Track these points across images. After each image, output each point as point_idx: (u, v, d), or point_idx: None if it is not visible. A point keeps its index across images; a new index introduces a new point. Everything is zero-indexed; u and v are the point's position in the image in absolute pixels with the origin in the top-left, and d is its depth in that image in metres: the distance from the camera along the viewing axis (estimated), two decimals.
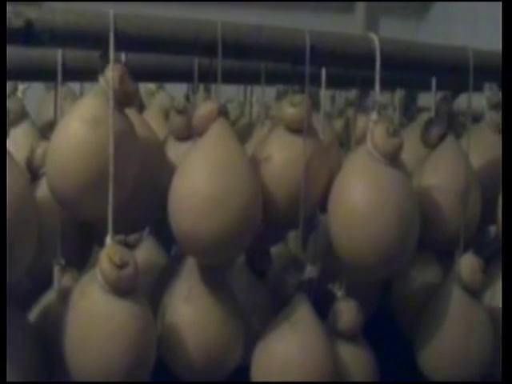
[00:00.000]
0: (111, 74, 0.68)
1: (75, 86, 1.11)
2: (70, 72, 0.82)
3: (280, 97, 1.01)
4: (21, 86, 0.95)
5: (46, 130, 0.95)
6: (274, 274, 0.86)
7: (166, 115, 0.94)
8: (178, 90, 1.11)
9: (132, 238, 0.71)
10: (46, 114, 1.05)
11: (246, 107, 1.10)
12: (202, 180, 0.70)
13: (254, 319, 0.80)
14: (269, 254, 0.85)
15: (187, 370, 0.74)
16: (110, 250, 0.66)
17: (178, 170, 0.72)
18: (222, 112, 0.73)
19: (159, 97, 1.07)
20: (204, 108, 0.73)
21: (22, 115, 0.93)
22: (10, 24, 0.67)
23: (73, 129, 0.68)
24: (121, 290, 0.66)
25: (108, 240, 0.67)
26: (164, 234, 0.96)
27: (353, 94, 1.17)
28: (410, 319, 0.87)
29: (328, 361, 0.75)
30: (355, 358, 0.80)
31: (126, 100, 0.70)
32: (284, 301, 0.77)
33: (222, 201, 0.69)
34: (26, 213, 0.65)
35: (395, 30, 1.22)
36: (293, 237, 0.93)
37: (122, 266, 0.66)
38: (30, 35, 0.68)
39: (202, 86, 0.96)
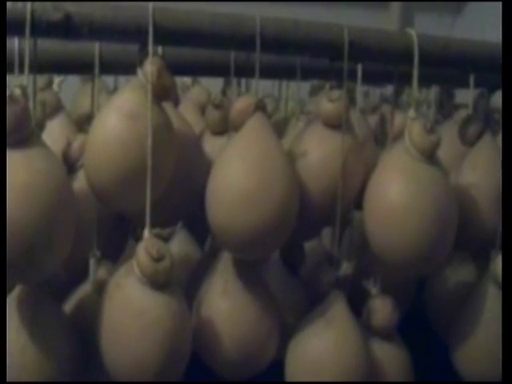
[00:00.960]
0: (150, 68, 0.68)
1: (109, 79, 1.12)
2: (106, 65, 0.82)
3: (314, 92, 1.01)
4: (56, 79, 0.96)
5: (81, 123, 0.95)
6: (308, 269, 0.86)
7: (201, 109, 0.95)
8: (212, 84, 1.12)
9: (165, 231, 0.71)
10: (81, 107, 1.06)
11: (280, 102, 1.09)
12: (239, 174, 0.69)
13: (287, 315, 0.80)
14: (303, 249, 0.85)
15: (221, 364, 0.74)
16: (147, 243, 0.66)
17: (215, 165, 0.72)
18: (260, 106, 0.72)
19: (194, 91, 1.07)
20: (241, 102, 0.73)
21: (58, 108, 0.93)
22: (49, 17, 0.68)
23: (111, 122, 0.68)
24: (157, 282, 0.66)
25: (145, 233, 0.67)
26: (196, 228, 0.97)
27: (388, 90, 1.16)
28: (444, 318, 0.87)
29: (363, 359, 0.75)
30: (390, 356, 0.79)
31: (163, 94, 0.70)
32: (319, 297, 0.77)
33: (260, 196, 0.69)
34: (64, 205, 0.65)
35: (430, 27, 1.21)
36: (326, 233, 0.93)
37: (159, 259, 0.66)
38: (68, 28, 0.69)
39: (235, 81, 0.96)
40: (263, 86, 1.01)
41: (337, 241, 0.77)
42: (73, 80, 1.09)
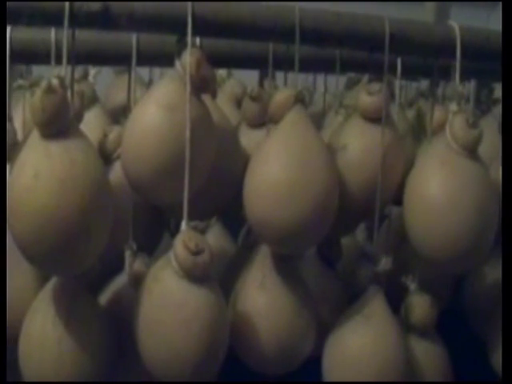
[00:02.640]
0: (189, 59, 0.68)
1: (143, 71, 1.11)
2: (142, 56, 0.81)
3: (351, 85, 1.00)
4: (92, 71, 0.95)
5: (117, 115, 0.95)
6: (344, 264, 0.85)
7: (237, 102, 0.94)
8: (244, 77, 1.11)
9: (201, 224, 0.70)
10: (115, 99, 1.06)
11: (314, 95, 1.08)
12: (278, 168, 0.69)
13: (323, 310, 0.79)
14: (339, 244, 0.84)
15: (257, 359, 0.74)
16: (185, 236, 0.66)
17: (253, 158, 0.71)
18: (299, 99, 0.72)
19: (229, 84, 1.07)
20: (281, 94, 0.72)
21: (93, 99, 0.92)
22: (88, 7, 0.67)
23: (149, 114, 0.67)
24: (195, 276, 0.65)
25: (183, 226, 0.67)
26: (230, 221, 0.96)
27: (423, 84, 1.15)
28: (482, 317, 0.85)
29: (402, 356, 0.74)
30: (428, 354, 0.78)
31: (202, 86, 0.69)
32: (356, 293, 0.76)
33: (299, 189, 0.68)
34: (101, 197, 0.65)
35: (466, 19, 1.18)
36: (361, 228, 0.92)
37: (197, 252, 0.65)
38: (107, 19, 0.68)
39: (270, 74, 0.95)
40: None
41: (376, 236, 0.76)
42: (105, 72, 1.08)
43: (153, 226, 0.81)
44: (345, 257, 0.85)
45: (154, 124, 0.67)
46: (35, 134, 0.65)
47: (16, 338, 0.71)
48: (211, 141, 0.69)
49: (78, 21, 0.67)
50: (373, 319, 0.73)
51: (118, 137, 0.77)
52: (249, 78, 1.10)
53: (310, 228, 0.69)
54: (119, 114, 0.96)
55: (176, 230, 0.87)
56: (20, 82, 1.00)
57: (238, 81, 1.08)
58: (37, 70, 1.04)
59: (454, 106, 0.74)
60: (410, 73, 1.01)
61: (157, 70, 1.03)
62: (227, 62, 0.89)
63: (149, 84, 1.05)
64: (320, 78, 1.09)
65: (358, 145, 0.75)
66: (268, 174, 0.69)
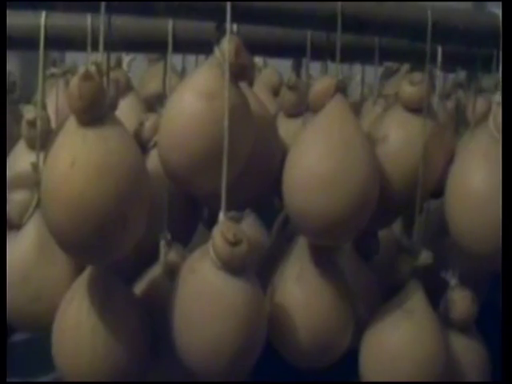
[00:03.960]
0: (227, 46, 0.66)
1: (176, 59, 1.10)
2: (178, 43, 0.80)
3: (388, 75, 0.98)
4: (126, 58, 0.95)
5: (150, 103, 0.94)
6: (381, 258, 0.83)
7: (273, 91, 0.93)
8: (278, 65, 1.09)
9: (236, 214, 0.69)
10: (148, 87, 1.05)
11: (349, 85, 1.07)
12: (319, 158, 0.67)
13: (360, 303, 0.78)
14: (377, 236, 0.83)
15: (295, 353, 0.72)
16: (223, 227, 0.65)
17: (293, 147, 0.70)
18: (340, 88, 0.70)
19: (266, 72, 1.05)
20: (321, 83, 0.71)
21: (128, 87, 0.91)
22: None
23: (187, 102, 0.66)
24: (233, 267, 0.64)
25: (221, 216, 0.65)
26: (263, 211, 0.95)
27: (461, 75, 1.13)
28: None
29: (442, 352, 0.72)
30: (468, 350, 0.77)
31: (241, 73, 0.67)
32: (395, 287, 0.75)
33: (340, 180, 0.66)
34: (138, 185, 0.64)
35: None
36: (397, 220, 0.90)
37: (235, 243, 0.64)
38: (144, 5, 0.67)
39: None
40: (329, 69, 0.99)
41: (417, 229, 0.75)
42: (138, 60, 1.08)
43: (187, 216, 0.80)
44: (381, 250, 0.84)
45: (192, 112, 0.65)
46: (71, 122, 0.64)
47: (50, 327, 0.71)
48: (250, 129, 0.68)
49: (114, 7, 0.67)
50: (413, 314, 0.72)
51: (153, 125, 0.76)
52: (281, 66, 1.09)
53: (349, 219, 0.68)
54: (153, 102, 0.95)
55: (209, 221, 0.87)
56: (53, 69, 1.00)
57: (274, 69, 1.07)
58: (69, 57, 1.04)
59: (497, 97, 0.72)
60: (447, 62, 1.00)
61: (191, 58, 1.02)
62: (263, 49, 0.88)
63: (182, 72, 1.04)
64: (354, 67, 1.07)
65: (399, 136, 0.73)
66: (308, 164, 0.67)
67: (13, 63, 1.07)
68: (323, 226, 0.67)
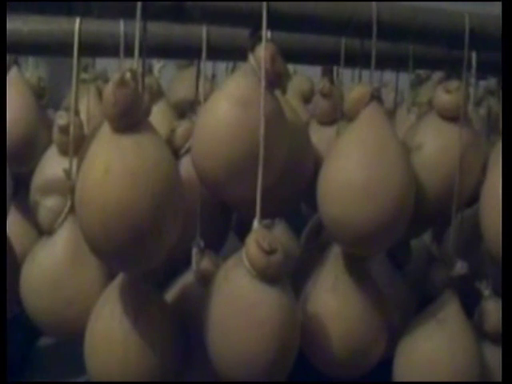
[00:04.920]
0: (263, 53, 0.66)
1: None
2: (211, 50, 0.80)
3: (420, 82, 0.98)
4: (157, 65, 0.95)
5: (180, 109, 0.94)
6: (414, 267, 0.83)
7: (304, 98, 0.92)
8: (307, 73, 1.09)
9: (267, 222, 0.69)
10: (178, 93, 1.05)
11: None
12: (355, 166, 0.67)
13: (393, 312, 0.77)
14: (409, 246, 0.82)
15: (328, 362, 0.72)
16: (258, 235, 0.64)
17: (328, 156, 0.70)
18: (376, 96, 0.70)
19: (296, 80, 1.05)
20: (357, 91, 0.70)
21: (159, 94, 0.91)
22: None
23: (222, 109, 0.66)
24: (268, 276, 0.63)
25: (255, 224, 0.65)
26: (293, 219, 0.94)
27: (491, 82, 1.12)
28: None
29: (476, 363, 0.71)
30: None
31: (276, 80, 0.67)
32: (429, 296, 0.74)
33: (376, 189, 0.66)
34: (173, 192, 0.63)
35: None
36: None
37: (270, 251, 0.63)
38: (180, 11, 0.67)
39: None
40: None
41: (452, 239, 0.74)
42: (167, 66, 1.07)
43: (219, 223, 0.80)
44: (413, 259, 0.83)
45: (227, 119, 0.65)
46: (106, 128, 0.64)
47: (81, 333, 0.71)
48: (284, 137, 0.68)
49: (150, 13, 0.66)
50: (448, 324, 0.71)
51: (186, 132, 0.76)
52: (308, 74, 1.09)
53: (385, 229, 0.67)
54: (183, 109, 0.95)
55: (239, 227, 0.86)
56: (84, 75, 1.00)
57: (305, 77, 1.06)
58: (99, 62, 1.04)
59: None
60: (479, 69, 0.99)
61: (219, 64, 1.02)
62: (295, 57, 0.87)
63: (213, 79, 1.04)
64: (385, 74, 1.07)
65: (435, 144, 0.72)
66: (344, 173, 0.67)
67: (41, 68, 1.07)
68: (359, 236, 0.67)
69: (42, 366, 1.09)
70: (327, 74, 1.05)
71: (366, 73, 0.96)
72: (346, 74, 0.90)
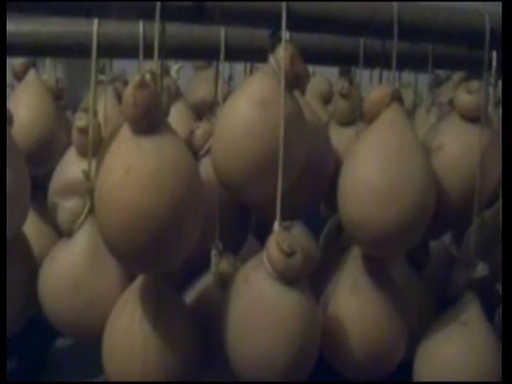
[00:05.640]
0: (283, 54, 0.66)
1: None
2: (230, 51, 0.80)
3: (439, 83, 0.97)
4: (175, 66, 0.94)
5: (197, 110, 0.93)
6: (433, 269, 0.82)
7: (323, 99, 0.92)
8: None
9: (285, 224, 0.68)
10: (195, 94, 1.04)
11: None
12: (375, 167, 0.66)
13: (413, 314, 0.77)
14: (428, 247, 0.81)
15: (348, 365, 0.72)
16: (278, 237, 0.64)
17: (348, 157, 0.69)
18: (396, 97, 0.69)
19: (315, 80, 1.04)
20: (377, 92, 0.70)
21: (177, 95, 0.91)
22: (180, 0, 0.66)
23: (242, 110, 0.66)
24: (288, 278, 0.63)
25: (276, 226, 0.65)
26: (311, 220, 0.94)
27: None
28: None
29: (497, 365, 0.70)
30: None
31: (296, 82, 0.67)
32: (449, 299, 0.73)
33: (397, 190, 0.65)
34: (193, 193, 0.63)
35: None
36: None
37: (290, 253, 0.63)
38: (199, 12, 0.67)
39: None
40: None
41: (474, 240, 0.73)
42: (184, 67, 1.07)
43: (238, 225, 0.79)
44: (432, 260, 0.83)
45: (247, 120, 0.65)
46: (125, 130, 0.64)
47: (100, 335, 0.70)
48: (304, 138, 0.67)
49: (169, 14, 0.66)
50: (469, 327, 0.70)
51: (205, 133, 0.76)
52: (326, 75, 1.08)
53: (406, 230, 0.67)
54: (200, 110, 0.95)
55: (257, 229, 0.86)
56: (101, 76, 1.00)
57: (324, 77, 1.06)
58: (117, 64, 1.04)
59: None
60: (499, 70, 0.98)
61: (236, 66, 1.01)
62: (314, 58, 0.87)
63: (230, 80, 1.04)
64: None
65: (456, 145, 0.72)
66: (364, 174, 0.67)
67: (59, 70, 1.08)
68: (380, 237, 0.66)
69: (59, 366, 1.10)
70: (345, 74, 1.04)
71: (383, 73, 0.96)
72: (362, 74, 0.89)
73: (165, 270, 0.66)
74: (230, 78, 1.05)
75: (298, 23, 0.67)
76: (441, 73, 0.96)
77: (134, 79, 0.63)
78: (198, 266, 0.75)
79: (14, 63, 0.93)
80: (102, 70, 1.03)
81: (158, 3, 0.65)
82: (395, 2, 0.68)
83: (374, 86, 0.87)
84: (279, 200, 0.64)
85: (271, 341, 0.63)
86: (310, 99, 0.91)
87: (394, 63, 0.69)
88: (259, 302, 0.64)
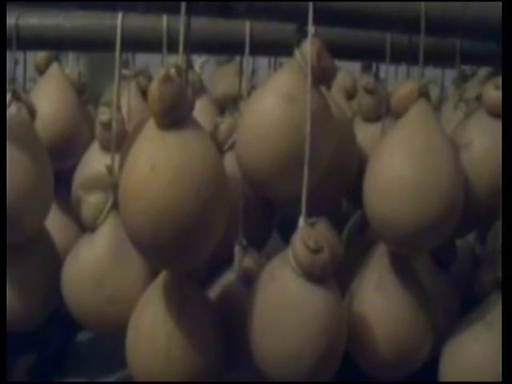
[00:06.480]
0: (309, 49, 0.65)
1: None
2: (255, 45, 0.79)
3: (465, 79, 0.96)
4: (198, 60, 0.94)
5: (221, 104, 0.93)
6: (458, 266, 0.81)
7: (347, 94, 0.91)
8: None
9: (313, 220, 0.68)
10: (217, 89, 1.04)
11: None
12: (402, 164, 0.66)
13: (438, 312, 0.76)
14: (454, 245, 0.80)
15: (373, 363, 0.71)
16: (303, 234, 0.63)
17: (375, 153, 0.68)
18: (424, 93, 0.68)
19: (339, 76, 1.03)
20: (404, 88, 0.69)
21: (201, 89, 0.91)
22: None
23: (268, 104, 0.65)
24: (314, 275, 0.63)
25: (301, 222, 0.64)
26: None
27: None
28: None
29: None
30: None
31: (322, 77, 0.66)
32: (475, 298, 0.72)
33: (425, 187, 0.65)
34: (219, 189, 0.62)
35: None
36: None
37: (316, 250, 0.62)
38: (225, 7, 0.66)
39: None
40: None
41: (501, 239, 0.72)
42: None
43: (262, 221, 0.79)
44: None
45: (273, 115, 0.64)
46: (151, 125, 0.63)
47: (124, 330, 0.70)
48: (330, 134, 0.67)
49: (194, 8, 0.66)
50: (495, 326, 0.69)
51: (229, 128, 0.75)
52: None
53: (434, 228, 0.66)
54: (223, 104, 0.94)
55: (281, 225, 0.85)
56: (124, 71, 1.00)
57: (348, 73, 1.05)
58: (139, 58, 1.04)
59: None
60: None
61: (262, 61, 1.01)
62: (339, 52, 0.86)
63: (253, 74, 1.03)
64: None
65: (484, 142, 0.71)
66: (393, 171, 0.66)
67: (81, 64, 1.07)
68: (408, 235, 0.66)
69: (79, 360, 1.10)
70: (367, 70, 1.04)
71: (402, 69, 0.95)
72: (383, 69, 0.89)
73: (191, 266, 0.66)
74: (253, 72, 1.05)
75: (324, 18, 0.66)
76: (466, 68, 0.95)
77: (160, 73, 0.62)
78: (220, 261, 0.75)
79: (36, 57, 0.93)
80: (124, 65, 1.03)
81: None
82: None
83: (398, 81, 0.86)
84: (305, 196, 0.64)
85: (297, 338, 0.63)
86: (334, 94, 0.91)
87: (421, 58, 0.68)
88: (285, 299, 0.63)
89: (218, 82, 1.06)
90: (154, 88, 0.62)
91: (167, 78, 0.62)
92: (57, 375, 1.04)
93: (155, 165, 0.61)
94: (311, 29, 0.65)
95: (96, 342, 1.06)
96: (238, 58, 1.02)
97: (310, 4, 0.65)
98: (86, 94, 0.99)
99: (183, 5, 0.64)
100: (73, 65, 0.99)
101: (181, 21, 0.65)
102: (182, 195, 0.60)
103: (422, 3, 0.67)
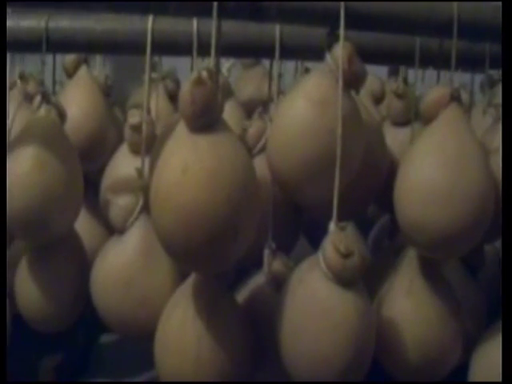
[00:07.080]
0: (341, 53, 0.65)
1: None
2: (285, 49, 0.79)
3: (492, 83, 0.96)
4: (226, 64, 0.94)
5: (247, 108, 0.93)
6: (486, 272, 0.81)
7: (375, 98, 0.91)
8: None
9: (343, 225, 0.68)
10: (244, 92, 1.04)
11: None
12: (433, 169, 0.65)
13: (467, 318, 0.76)
14: (482, 250, 0.80)
15: (402, 368, 0.70)
16: (334, 238, 0.63)
17: (405, 157, 0.68)
18: (455, 97, 0.68)
19: (367, 80, 1.03)
20: (435, 92, 0.69)
21: (228, 93, 0.91)
22: None
23: (300, 108, 0.65)
24: (345, 280, 0.63)
25: (332, 227, 0.64)
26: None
27: None
28: None
29: None
30: None
31: (353, 81, 0.66)
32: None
33: (457, 192, 0.64)
34: (249, 193, 0.62)
35: None
36: None
37: (347, 255, 0.62)
38: (256, 10, 0.66)
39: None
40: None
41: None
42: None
43: (290, 225, 0.79)
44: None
45: (304, 119, 0.64)
46: (182, 128, 0.63)
47: (153, 333, 0.70)
48: (361, 138, 0.67)
49: (225, 12, 0.66)
50: None
51: (258, 131, 0.76)
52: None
53: (466, 233, 0.66)
54: (249, 108, 0.94)
55: (308, 229, 0.85)
56: (152, 74, 1.00)
57: (376, 77, 1.05)
58: (166, 61, 1.04)
59: None
60: None
61: (289, 64, 1.01)
62: (369, 57, 0.86)
63: (280, 78, 1.03)
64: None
65: None
66: (424, 175, 0.66)
67: (106, 66, 1.08)
68: (440, 240, 0.65)
69: (104, 362, 1.10)
70: (394, 74, 1.03)
71: (430, 73, 0.95)
72: (411, 74, 0.88)
73: (221, 270, 0.66)
74: (280, 75, 1.04)
75: (355, 22, 0.66)
76: (494, 73, 0.94)
77: (192, 77, 0.62)
78: (249, 264, 0.75)
79: (64, 60, 0.93)
80: (152, 68, 1.03)
81: (215, 2, 0.64)
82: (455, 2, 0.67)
83: (426, 85, 0.86)
84: (336, 200, 0.64)
85: (326, 342, 0.62)
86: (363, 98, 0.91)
87: (452, 62, 0.68)
88: (315, 303, 0.63)
89: (244, 86, 1.06)
90: (186, 91, 0.62)
91: (199, 82, 0.62)
92: (82, 376, 1.05)
93: (187, 168, 0.61)
94: (343, 32, 0.65)
95: (121, 343, 1.07)
96: (264, 62, 1.03)
97: (342, 7, 0.65)
98: (112, 96, 0.99)
99: (215, 8, 0.64)
100: (100, 67, 0.99)
101: (212, 23, 0.65)
102: (214, 198, 0.60)
103: (454, 7, 0.67)
